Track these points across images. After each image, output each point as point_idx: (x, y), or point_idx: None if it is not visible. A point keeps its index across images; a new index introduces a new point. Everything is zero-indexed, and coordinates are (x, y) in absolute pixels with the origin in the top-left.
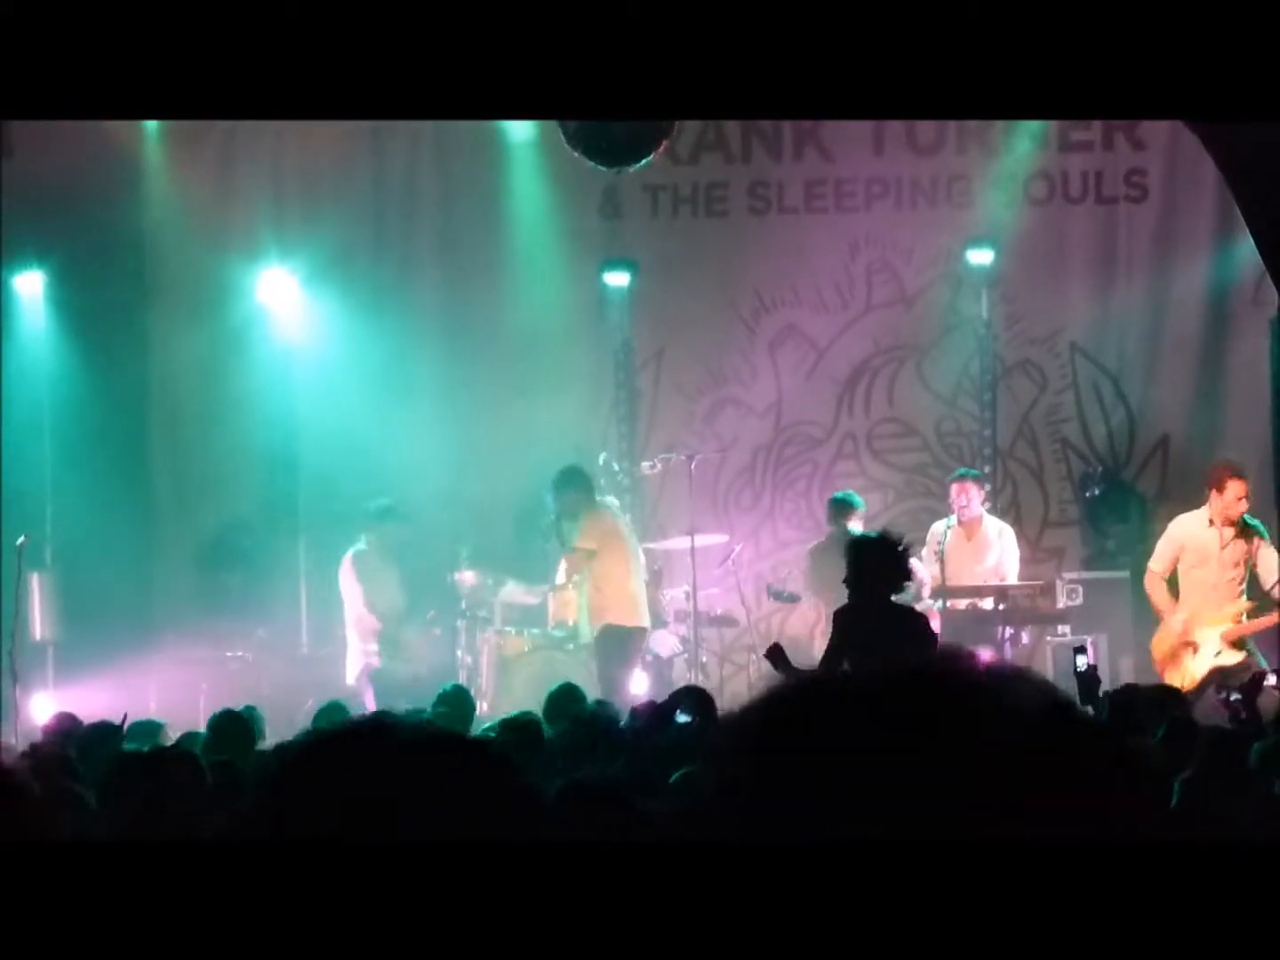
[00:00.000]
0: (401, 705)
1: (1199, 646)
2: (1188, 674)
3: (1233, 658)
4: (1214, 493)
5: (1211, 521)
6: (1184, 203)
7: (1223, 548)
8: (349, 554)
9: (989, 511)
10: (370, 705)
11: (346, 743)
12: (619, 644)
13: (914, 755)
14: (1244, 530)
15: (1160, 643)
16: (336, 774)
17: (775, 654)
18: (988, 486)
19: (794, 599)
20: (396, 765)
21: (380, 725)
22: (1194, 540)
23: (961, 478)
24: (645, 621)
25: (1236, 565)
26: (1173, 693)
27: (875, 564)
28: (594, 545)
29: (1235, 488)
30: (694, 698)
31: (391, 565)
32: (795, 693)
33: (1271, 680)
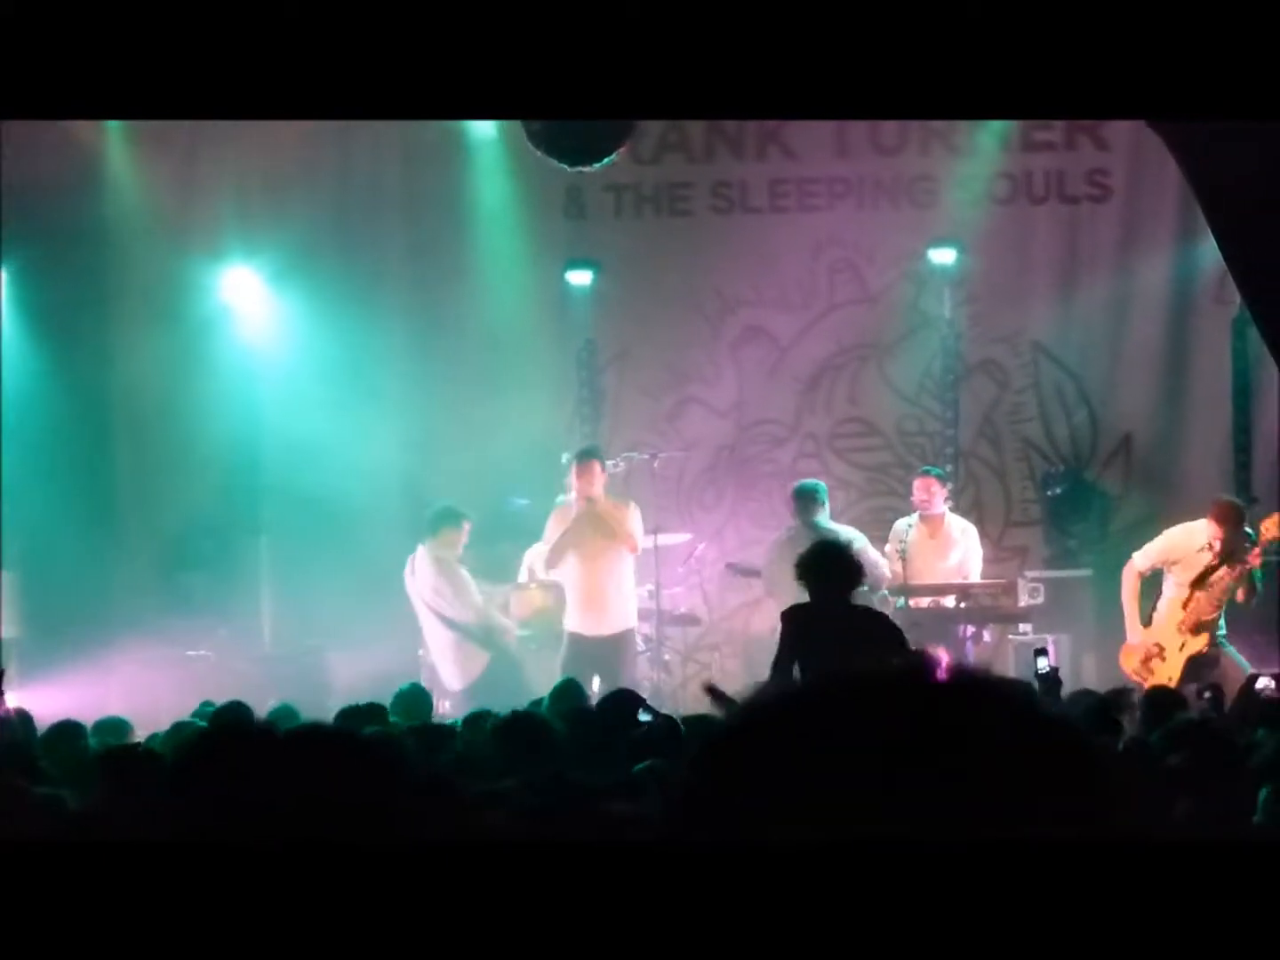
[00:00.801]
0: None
1: (1164, 648)
2: (1165, 677)
3: (1198, 643)
4: (1212, 522)
5: (1210, 546)
6: (1146, 202)
7: (1215, 568)
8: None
9: (951, 510)
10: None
11: (227, 744)
12: (634, 649)
13: (895, 765)
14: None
15: (1128, 658)
16: (218, 775)
17: (712, 692)
18: (950, 485)
19: (754, 573)
20: (275, 765)
21: (260, 726)
22: (1190, 558)
23: (924, 474)
24: None
25: (1225, 590)
26: (1171, 694)
27: (832, 566)
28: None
29: (1214, 530)
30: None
31: (461, 566)
32: (771, 705)
33: (1268, 684)
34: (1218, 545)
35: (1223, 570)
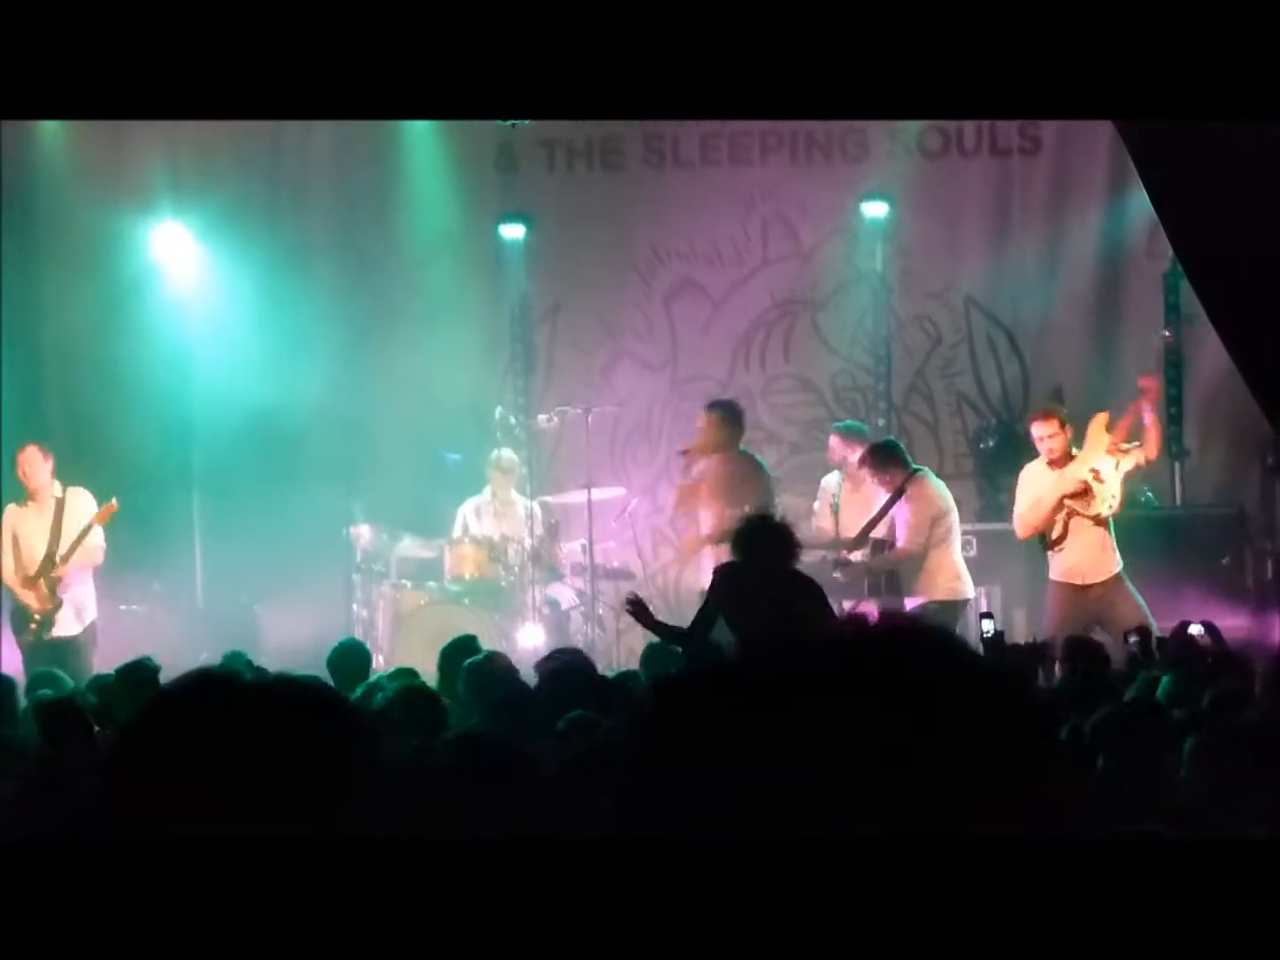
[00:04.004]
0: None
1: (1099, 472)
2: (1108, 498)
3: (1129, 461)
4: (1035, 424)
5: (1050, 464)
6: (1077, 156)
7: (1064, 479)
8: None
9: None
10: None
11: (192, 698)
12: None
13: (822, 738)
14: (1072, 458)
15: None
16: (183, 729)
17: (637, 607)
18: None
19: None
20: (241, 719)
21: (224, 680)
22: (1037, 484)
23: (832, 430)
24: None
25: (1088, 493)
26: (1082, 643)
27: (767, 541)
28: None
29: (1036, 428)
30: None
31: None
32: (693, 681)
33: (1200, 631)
34: (1050, 445)
35: (1066, 471)
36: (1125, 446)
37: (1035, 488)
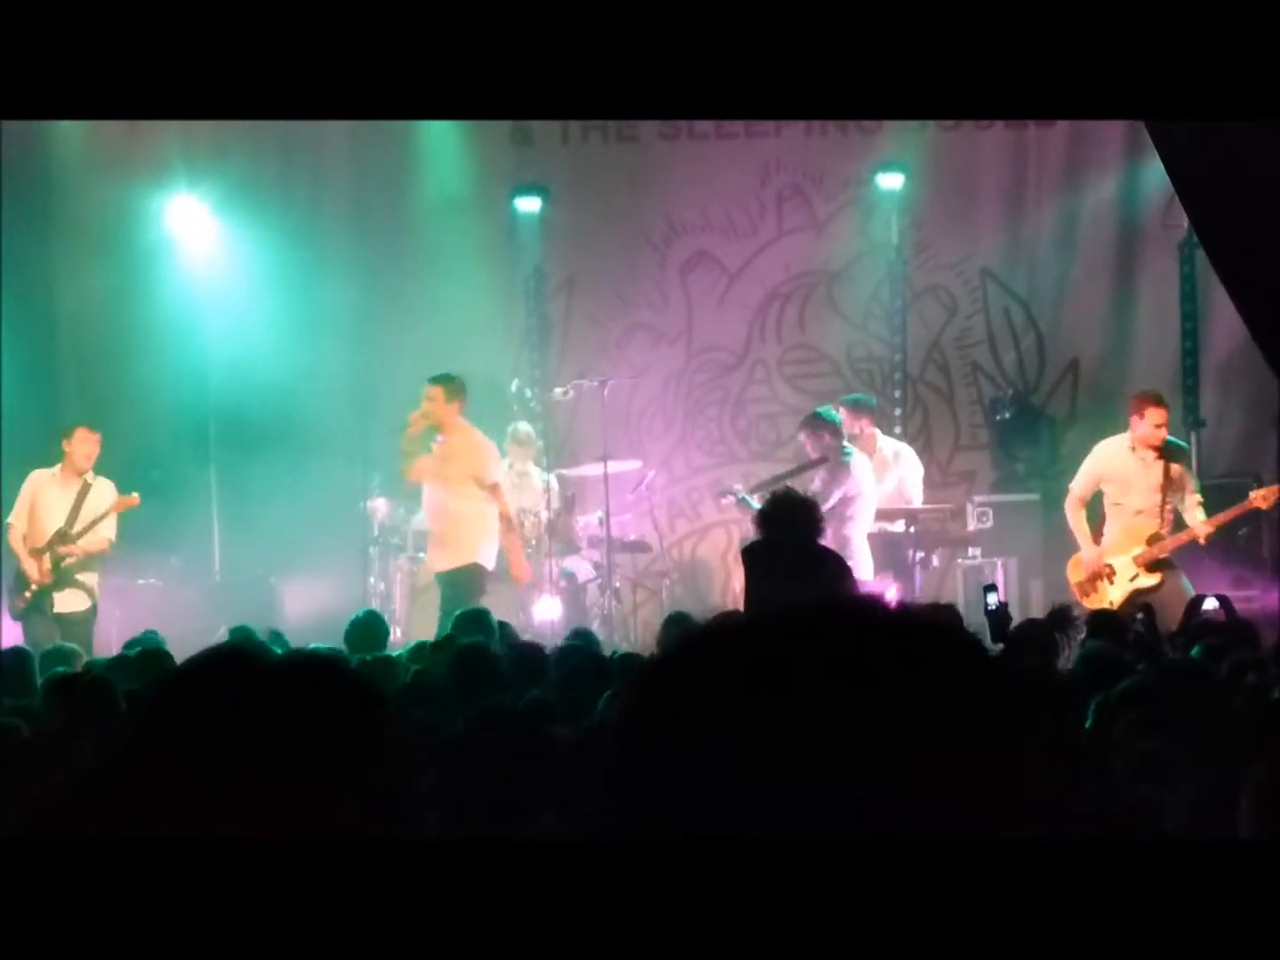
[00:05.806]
0: None
1: (1115, 572)
2: (1106, 600)
3: (1149, 580)
4: (1134, 419)
5: (1133, 448)
6: (1093, 127)
7: (1146, 470)
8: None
9: (898, 435)
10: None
11: (210, 671)
12: (479, 587)
13: (818, 698)
14: (1166, 454)
15: (1075, 571)
16: (202, 702)
17: None
18: (898, 410)
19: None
20: (257, 691)
21: (240, 654)
22: (1115, 468)
23: (840, 405)
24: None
25: (1159, 490)
26: (1105, 616)
27: (794, 518)
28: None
29: (1155, 415)
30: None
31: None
32: (706, 634)
33: (1214, 605)
34: (1140, 445)
35: (1152, 466)
36: (1156, 558)
37: (1114, 469)
